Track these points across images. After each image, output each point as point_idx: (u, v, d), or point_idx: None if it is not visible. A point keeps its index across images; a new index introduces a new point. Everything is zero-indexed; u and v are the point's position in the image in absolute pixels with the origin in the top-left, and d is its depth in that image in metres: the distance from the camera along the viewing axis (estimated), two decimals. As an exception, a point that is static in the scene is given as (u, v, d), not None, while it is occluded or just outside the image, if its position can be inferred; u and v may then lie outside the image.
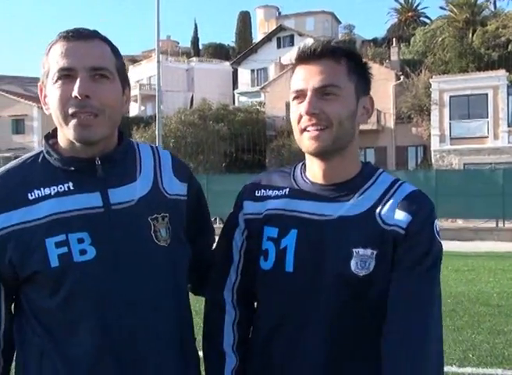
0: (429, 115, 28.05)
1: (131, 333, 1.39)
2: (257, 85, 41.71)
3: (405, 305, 1.40)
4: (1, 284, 1.42)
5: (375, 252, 1.42)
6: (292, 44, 43.40)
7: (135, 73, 42.66)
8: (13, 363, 1.49)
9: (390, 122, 30.64)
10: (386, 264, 1.43)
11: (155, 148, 1.61)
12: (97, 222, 1.39)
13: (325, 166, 1.50)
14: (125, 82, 1.48)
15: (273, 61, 39.78)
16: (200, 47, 60.40)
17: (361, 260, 1.42)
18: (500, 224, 19.90)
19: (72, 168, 1.43)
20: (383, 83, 27.84)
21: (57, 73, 1.37)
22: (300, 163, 1.60)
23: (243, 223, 1.58)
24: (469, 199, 19.18)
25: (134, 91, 37.48)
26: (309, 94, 1.44)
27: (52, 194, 1.40)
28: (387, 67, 33.09)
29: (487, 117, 26.73)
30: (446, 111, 27.38)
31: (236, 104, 41.02)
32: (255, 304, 1.60)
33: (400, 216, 1.44)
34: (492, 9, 40.04)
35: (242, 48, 52.33)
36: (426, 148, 29.31)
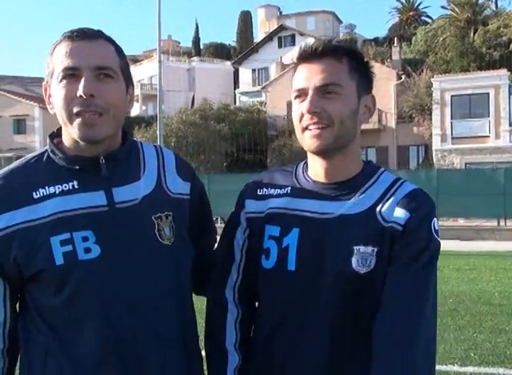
0: (431, 114, 27.99)
1: (132, 333, 1.40)
2: (259, 85, 41.65)
3: (399, 302, 1.39)
4: (6, 283, 1.42)
5: (375, 250, 1.42)
6: (293, 43, 43.32)
7: (136, 73, 42.52)
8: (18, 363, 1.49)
9: (391, 121, 30.60)
10: (386, 261, 1.42)
11: (159, 147, 1.61)
12: (101, 220, 1.40)
13: (327, 165, 1.50)
14: (129, 81, 1.48)
15: (274, 60, 39.72)
16: (202, 46, 60.36)
17: (362, 257, 1.42)
18: (502, 223, 19.89)
19: (77, 167, 1.43)
20: (384, 82, 27.80)
21: (62, 72, 1.38)
22: (302, 162, 1.60)
23: (245, 222, 1.58)
24: (470, 199, 19.14)
25: (135, 91, 36.93)
26: (310, 92, 1.44)
27: (57, 192, 1.41)
28: (388, 67, 33.05)
29: (488, 116, 26.67)
30: (448, 110, 27.32)
31: (238, 104, 40.99)
32: (257, 303, 1.60)
33: (399, 213, 1.44)
34: (494, 9, 40.07)
35: (243, 48, 52.30)
36: (427, 148, 29.25)
